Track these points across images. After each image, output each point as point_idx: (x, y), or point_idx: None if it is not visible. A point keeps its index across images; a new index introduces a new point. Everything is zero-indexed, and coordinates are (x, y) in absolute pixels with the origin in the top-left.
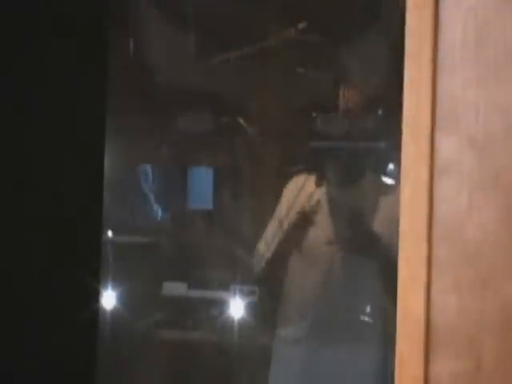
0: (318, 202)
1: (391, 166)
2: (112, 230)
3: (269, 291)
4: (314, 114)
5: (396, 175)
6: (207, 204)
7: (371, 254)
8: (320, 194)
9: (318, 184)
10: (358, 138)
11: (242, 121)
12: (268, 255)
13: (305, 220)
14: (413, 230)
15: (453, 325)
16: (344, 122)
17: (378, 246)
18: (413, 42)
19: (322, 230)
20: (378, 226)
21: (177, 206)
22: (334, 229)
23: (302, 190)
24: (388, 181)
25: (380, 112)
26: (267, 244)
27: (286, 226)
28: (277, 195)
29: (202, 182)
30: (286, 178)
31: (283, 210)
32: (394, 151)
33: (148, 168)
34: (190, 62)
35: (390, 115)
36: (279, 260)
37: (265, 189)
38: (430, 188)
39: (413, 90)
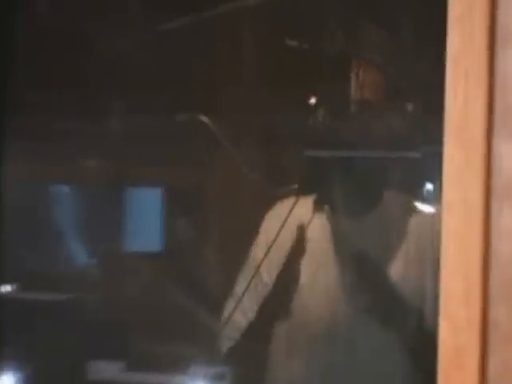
0: (301, 228)
1: (429, 187)
2: (13, 282)
3: (245, 374)
4: (312, 109)
5: (435, 199)
6: (154, 243)
7: (393, 315)
8: (317, 225)
9: (317, 209)
10: (378, 145)
11: (206, 119)
12: (242, 322)
13: (292, 263)
14: (460, 279)
15: None
16: (357, 120)
17: (405, 302)
18: (459, 3)
19: (320, 280)
20: (406, 273)
21: (109, 247)
22: (338, 278)
23: (288, 221)
24: (423, 208)
25: (410, 107)
26: (238, 304)
27: (265, 275)
28: (256, 228)
29: (146, 211)
30: (270, 202)
31: (260, 251)
32: (431, 164)
33: (66, 190)
34: (130, 32)
35: (426, 112)
36: (259, 328)
37: (240, 219)
38: (485, 218)
39: (459, 75)
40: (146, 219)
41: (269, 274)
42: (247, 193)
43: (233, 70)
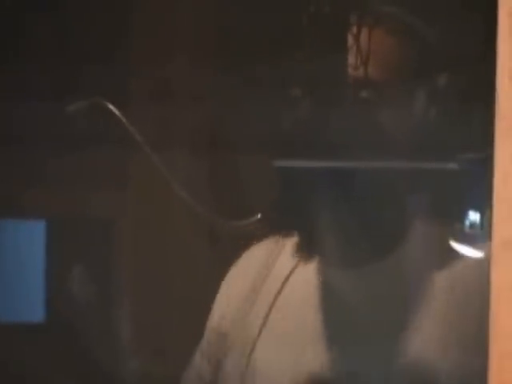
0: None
1: (472, 217)
2: None
3: None
4: (288, 95)
5: (483, 237)
6: (33, 308)
7: None
8: (300, 281)
9: (299, 254)
10: (393, 153)
11: (113, 108)
12: None
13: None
14: None
15: None
16: (358, 113)
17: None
18: None
19: (297, 366)
20: (436, 355)
21: None
22: (328, 363)
23: (263, 278)
24: (462, 250)
25: (443, 92)
26: None
27: (208, 362)
28: (205, 289)
29: (19, 256)
30: (221, 245)
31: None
32: (477, 181)
33: None
34: None
35: (468, 100)
36: None
37: (172, 269)
38: None
39: None
40: (19, 270)
41: (216, 359)
42: (183, 228)
43: (159, 32)
